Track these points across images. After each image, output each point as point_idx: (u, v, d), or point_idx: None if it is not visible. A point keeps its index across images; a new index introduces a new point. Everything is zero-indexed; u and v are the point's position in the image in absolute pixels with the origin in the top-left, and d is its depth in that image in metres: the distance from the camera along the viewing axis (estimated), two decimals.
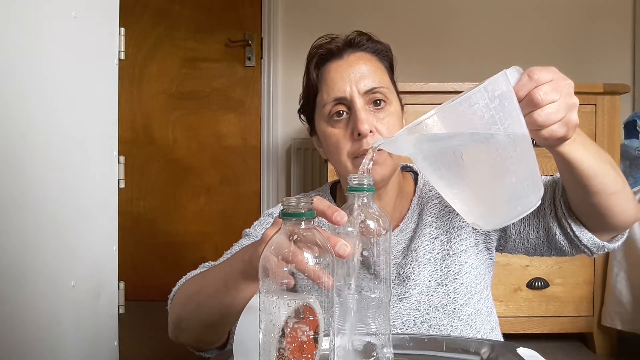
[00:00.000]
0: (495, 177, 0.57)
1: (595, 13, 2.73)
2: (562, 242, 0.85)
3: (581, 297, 2.05)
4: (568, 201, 0.83)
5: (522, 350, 0.67)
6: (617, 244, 0.85)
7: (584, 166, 0.71)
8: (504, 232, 0.91)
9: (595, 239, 0.83)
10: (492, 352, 0.69)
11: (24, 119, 1.06)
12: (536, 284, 2.03)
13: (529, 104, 0.59)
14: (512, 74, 0.59)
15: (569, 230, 0.83)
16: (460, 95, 0.55)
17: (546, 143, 0.65)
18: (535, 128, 0.60)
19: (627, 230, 0.85)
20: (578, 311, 2.05)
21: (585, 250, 0.85)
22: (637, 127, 2.18)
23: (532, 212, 0.85)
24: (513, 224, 0.89)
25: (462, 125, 0.54)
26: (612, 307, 1.96)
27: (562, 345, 2.09)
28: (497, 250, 0.95)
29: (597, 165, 0.72)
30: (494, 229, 0.88)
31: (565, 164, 0.71)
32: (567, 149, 0.68)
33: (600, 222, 0.80)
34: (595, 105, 1.99)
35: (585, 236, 0.82)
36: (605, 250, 0.85)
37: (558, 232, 0.84)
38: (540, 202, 0.58)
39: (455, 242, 0.91)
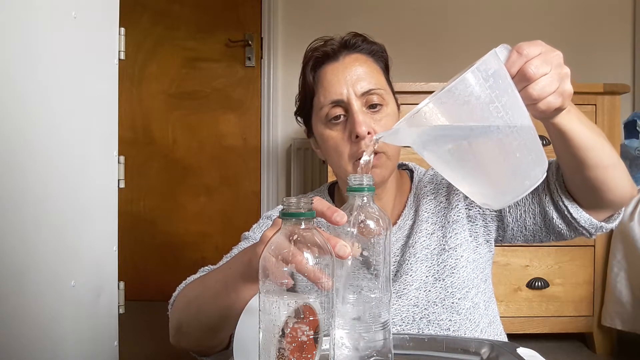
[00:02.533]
0: (499, 156, 0.57)
1: (595, 13, 2.73)
2: (559, 225, 0.85)
3: (581, 297, 2.05)
4: (564, 183, 0.83)
5: (522, 350, 0.67)
6: (614, 223, 0.85)
7: (581, 138, 0.72)
8: (501, 221, 0.91)
9: (593, 219, 0.83)
10: (492, 352, 0.69)
11: (24, 119, 1.06)
12: (536, 284, 2.03)
13: (522, 79, 0.60)
14: (501, 52, 0.60)
15: (566, 212, 0.83)
16: (452, 79, 0.55)
17: (543, 115, 0.66)
18: (531, 102, 0.61)
19: (623, 209, 0.85)
20: (578, 311, 2.05)
21: (584, 231, 0.85)
22: (637, 127, 2.18)
23: (527, 198, 0.87)
24: (509, 212, 0.89)
25: (459, 109, 0.53)
26: (612, 307, 1.96)
27: (562, 345, 2.09)
28: (496, 241, 0.95)
29: (593, 137, 0.73)
30: (504, 206, 0.88)
31: (562, 138, 0.72)
32: (563, 120, 0.69)
33: (597, 199, 0.80)
34: (595, 105, 1.99)
35: (583, 217, 0.83)
36: (603, 230, 0.85)
37: (555, 215, 0.85)
38: (546, 174, 0.58)
39: (450, 237, 0.91)
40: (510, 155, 0.56)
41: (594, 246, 2.04)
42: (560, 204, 0.83)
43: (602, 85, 1.98)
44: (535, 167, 0.57)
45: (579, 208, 0.82)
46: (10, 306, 1.01)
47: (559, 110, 0.65)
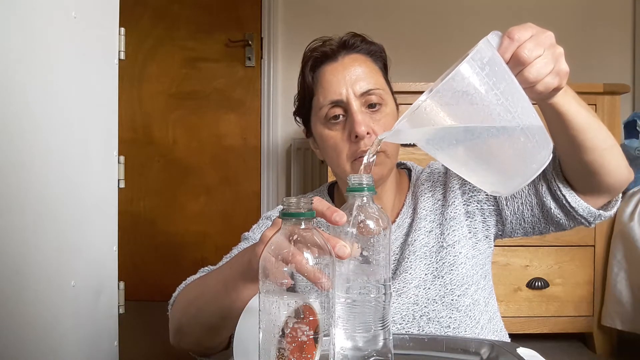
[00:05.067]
0: (504, 143, 0.57)
1: (595, 13, 2.73)
2: (558, 215, 0.85)
3: (581, 297, 2.05)
4: (561, 172, 0.83)
5: (522, 350, 0.67)
6: (612, 211, 0.85)
7: (579, 119, 0.72)
8: (499, 215, 0.92)
9: (591, 208, 0.83)
10: (492, 352, 0.69)
11: (25, 119, 1.06)
12: (536, 284, 2.03)
13: (516, 63, 0.60)
14: (492, 39, 0.60)
15: (564, 201, 0.83)
16: (447, 71, 0.54)
17: (541, 97, 0.67)
18: (528, 85, 0.61)
19: (620, 196, 0.85)
20: (578, 311, 2.05)
21: (582, 220, 0.85)
22: (637, 127, 2.18)
23: (524, 190, 0.87)
24: (507, 205, 0.90)
25: (459, 100, 0.53)
26: (612, 307, 1.96)
27: (562, 345, 2.09)
28: (496, 237, 0.95)
29: (590, 118, 0.73)
30: (514, 191, 0.88)
31: (560, 119, 0.72)
32: (561, 100, 0.69)
33: (595, 183, 0.80)
34: (595, 105, 1.99)
35: (581, 206, 0.83)
36: (602, 218, 0.85)
37: (553, 205, 0.85)
38: (552, 155, 0.58)
39: (448, 234, 0.91)
40: (515, 141, 0.56)
41: (594, 246, 2.04)
42: (558, 193, 0.83)
43: (602, 85, 1.98)
44: (541, 149, 0.57)
45: (576, 196, 0.82)
46: (10, 306, 1.01)
47: (556, 90, 0.65)
